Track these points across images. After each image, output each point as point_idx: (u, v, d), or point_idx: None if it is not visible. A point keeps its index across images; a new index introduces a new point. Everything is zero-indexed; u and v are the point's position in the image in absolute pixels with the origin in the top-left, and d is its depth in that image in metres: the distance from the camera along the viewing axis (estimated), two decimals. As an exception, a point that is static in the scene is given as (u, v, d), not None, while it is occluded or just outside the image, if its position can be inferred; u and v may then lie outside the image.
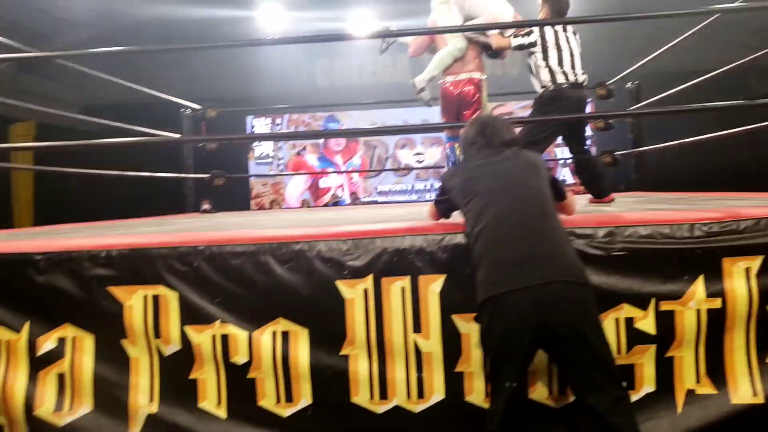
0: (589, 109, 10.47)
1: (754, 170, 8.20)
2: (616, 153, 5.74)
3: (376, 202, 10.73)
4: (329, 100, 9.76)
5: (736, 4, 3.80)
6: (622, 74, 5.70)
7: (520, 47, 3.91)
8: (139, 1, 8.99)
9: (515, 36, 3.93)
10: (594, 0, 7.48)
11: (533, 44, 3.82)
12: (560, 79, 3.77)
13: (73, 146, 3.43)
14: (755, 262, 2.20)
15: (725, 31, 9.63)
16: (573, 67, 3.82)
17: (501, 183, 2.16)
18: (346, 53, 11.40)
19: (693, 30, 4.26)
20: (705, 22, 4.14)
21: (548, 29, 3.83)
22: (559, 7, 3.91)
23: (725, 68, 4.07)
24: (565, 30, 3.87)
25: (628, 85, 5.88)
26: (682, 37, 4.44)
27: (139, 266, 2.28)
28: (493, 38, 4.13)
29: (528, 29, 3.87)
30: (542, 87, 3.84)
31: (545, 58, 3.80)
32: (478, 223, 2.06)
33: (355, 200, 10.95)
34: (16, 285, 2.30)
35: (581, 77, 3.84)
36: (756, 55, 3.79)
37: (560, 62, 3.79)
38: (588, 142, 4.90)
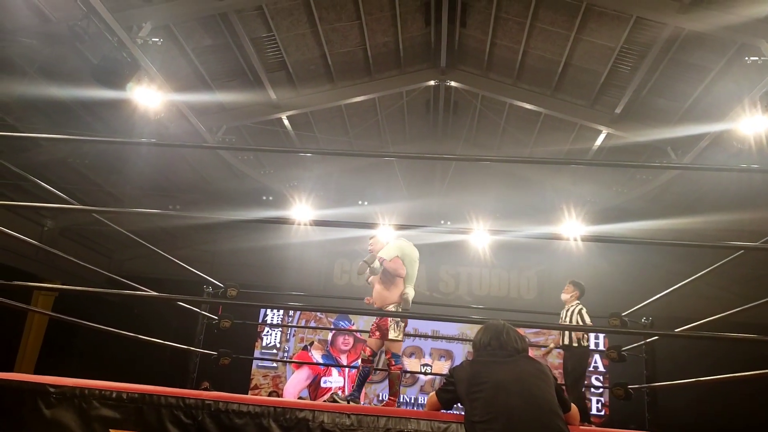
0: (600, 341, 10.58)
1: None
2: (629, 386, 5.62)
3: (376, 409, 10.46)
4: (345, 296, 10.08)
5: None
6: (634, 308, 5.76)
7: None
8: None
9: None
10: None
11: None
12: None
13: (97, 292, 3.57)
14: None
15: (743, 286, 9.64)
16: None
17: (512, 379, 2.22)
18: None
19: (703, 272, 4.36)
20: (717, 264, 4.20)
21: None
22: (582, 290, 5.31)
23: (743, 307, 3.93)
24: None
25: (643, 320, 5.91)
26: (694, 276, 4.49)
27: (144, 412, 2.28)
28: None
29: None
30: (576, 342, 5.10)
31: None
32: (488, 411, 2.09)
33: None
34: (22, 415, 2.28)
35: None
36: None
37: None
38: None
